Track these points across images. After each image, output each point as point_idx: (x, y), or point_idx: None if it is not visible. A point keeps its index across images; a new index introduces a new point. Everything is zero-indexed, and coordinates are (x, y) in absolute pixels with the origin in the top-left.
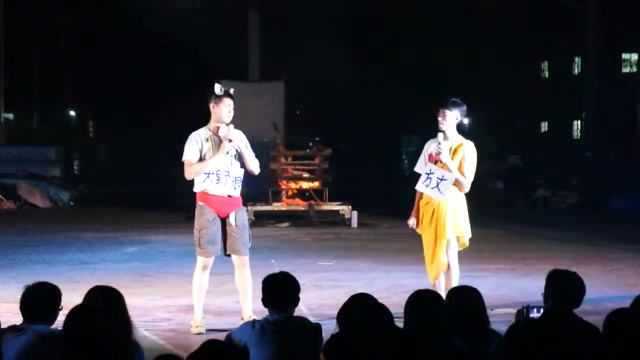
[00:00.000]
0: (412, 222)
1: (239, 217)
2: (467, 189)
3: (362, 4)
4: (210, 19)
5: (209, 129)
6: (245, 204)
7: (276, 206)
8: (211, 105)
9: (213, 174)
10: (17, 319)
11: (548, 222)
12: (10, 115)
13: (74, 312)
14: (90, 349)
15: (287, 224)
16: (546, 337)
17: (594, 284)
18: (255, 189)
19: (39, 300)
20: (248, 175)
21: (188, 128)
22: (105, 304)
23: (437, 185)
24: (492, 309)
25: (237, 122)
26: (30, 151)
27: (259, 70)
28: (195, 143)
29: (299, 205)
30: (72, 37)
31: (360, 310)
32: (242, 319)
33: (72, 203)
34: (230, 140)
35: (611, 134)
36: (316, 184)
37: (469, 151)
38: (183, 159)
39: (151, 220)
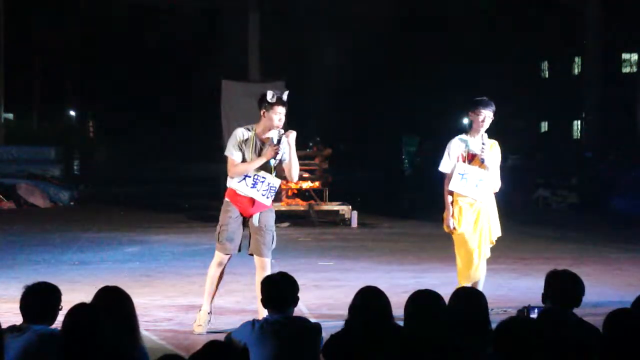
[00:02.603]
0: (452, 223)
1: (262, 219)
2: (498, 188)
3: (362, 4)
4: (210, 19)
5: (255, 131)
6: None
7: (276, 206)
8: (262, 111)
9: (250, 177)
10: (17, 319)
11: (548, 222)
12: (10, 115)
13: (74, 310)
14: (89, 347)
15: (287, 224)
16: (535, 334)
17: (594, 284)
18: None
19: (39, 300)
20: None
21: (188, 128)
22: (110, 304)
23: (477, 186)
24: (492, 309)
25: (238, 122)
26: (30, 151)
27: (259, 70)
28: (240, 142)
29: (299, 205)
30: (72, 37)
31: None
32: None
33: (72, 203)
34: (275, 147)
35: (611, 134)
36: (316, 184)
37: (499, 151)
38: (227, 153)
39: (151, 220)
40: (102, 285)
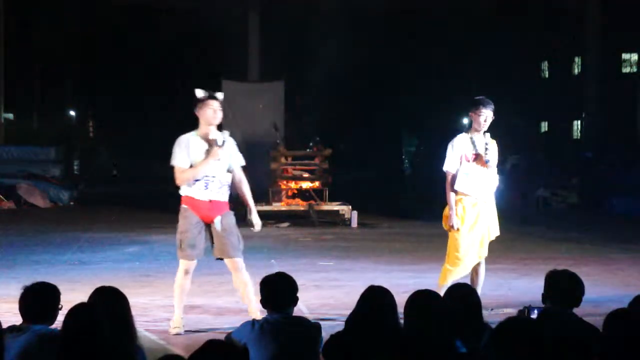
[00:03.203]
0: (457, 222)
1: (224, 221)
2: (497, 185)
3: (363, 3)
4: (210, 19)
5: (198, 134)
6: (233, 208)
7: (276, 206)
8: (196, 111)
9: (200, 180)
10: (17, 319)
11: (548, 222)
12: (10, 115)
13: (74, 310)
14: (89, 347)
15: (287, 224)
16: (535, 335)
17: (594, 284)
18: (256, 189)
19: (38, 300)
20: (247, 174)
21: (188, 127)
22: (108, 304)
23: (483, 184)
24: (492, 309)
25: (238, 122)
26: (30, 151)
27: (259, 70)
28: (185, 147)
29: (299, 205)
30: (72, 37)
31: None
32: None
33: (72, 203)
34: (219, 147)
35: (611, 134)
36: (316, 184)
37: (497, 150)
38: (173, 163)
39: (151, 220)
40: (100, 286)
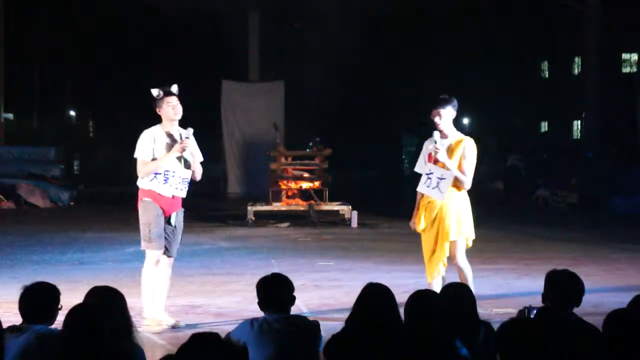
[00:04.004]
0: (412, 224)
1: (178, 219)
2: (467, 186)
3: (363, 3)
4: (210, 19)
5: (162, 129)
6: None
7: (276, 206)
8: (156, 109)
9: (160, 174)
10: (17, 319)
11: (548, 222)
12: (10, 115)
13: (74, 311)
14: (90, 348)
15: (287, 224)
16: (537, 335)
17: (594, 284)
18: (256, 189)
19: (38, 300)
20: (247, 174)
21: (188, 127)
22: (106, 304)
23: (438, 185)
24: (491, 309)
25: (238, 122)
26: (30, 151)
27: (259, 70)
28: (149, 142)
29: (299, 205)
30: (72, 37)
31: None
32: (144, 317)
33: (72, 203)
34: (182, 143)
35: (611, 134)
36: (316, 184)
37: (468, 148)
38: (136, 155)
39: None
40: (95, 285)
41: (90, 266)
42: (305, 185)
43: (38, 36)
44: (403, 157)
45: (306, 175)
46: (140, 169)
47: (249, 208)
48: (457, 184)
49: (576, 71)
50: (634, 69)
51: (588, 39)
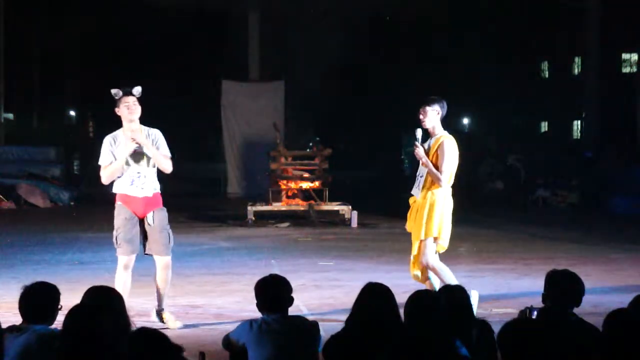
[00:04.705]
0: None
1: (156, 217)
2: (443, 184)
3: (363, 3)
4: (210, 19)
5: (122, 131)
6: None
7: (276, 206)
8: (116, 110)
9: (125, 176)
10: (17, 319)
11: (548, 222)
12: (10, 115)
13: (74, 311)
14: (89, 348)
15: (287, 224)
16: (538, 336)
17: (594, 284)
18: (256, 189)
19: (38, 300)
20: (246, 174)
21: (188, 128)
22: (104, 304)
23: (419, 185)
24: (491, 309)
25: (238, 122)
26: (30, 151)
27: (259, 70)
28: (109, 145)
29: (299, 205)
30: (72, 37)
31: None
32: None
33: (72, 203)
34: (133, 140)
35: (611, 134)
36: (316, 184)
37: (444, 146)
38: (99, 163)
39: None
40: (93, 285)
41: (90, 266)
42: (305, 185)
43: (38, 36)
44: (403, 157)
45: (306, 175)
46: (101, 174)
47: (249, 208)
48: (434, 182)
49: (576, 71)
50: (634, 69)
51: (588, 39)
